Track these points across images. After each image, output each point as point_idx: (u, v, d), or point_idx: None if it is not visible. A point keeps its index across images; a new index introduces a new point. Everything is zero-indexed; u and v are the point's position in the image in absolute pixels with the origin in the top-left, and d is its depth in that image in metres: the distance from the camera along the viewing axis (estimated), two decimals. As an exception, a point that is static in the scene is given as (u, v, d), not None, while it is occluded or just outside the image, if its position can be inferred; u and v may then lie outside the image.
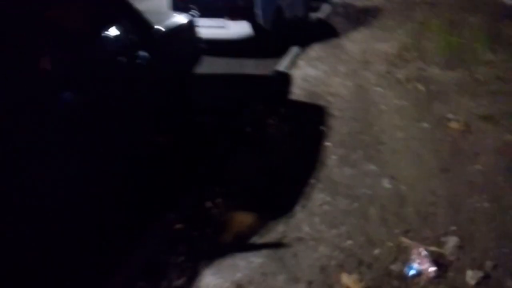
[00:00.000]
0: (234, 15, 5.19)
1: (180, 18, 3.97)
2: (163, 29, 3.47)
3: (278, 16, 5.67)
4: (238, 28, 5.25)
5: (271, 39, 5.58)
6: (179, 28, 3.82)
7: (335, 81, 4.62)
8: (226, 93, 4.55)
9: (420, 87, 4.27)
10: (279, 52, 5.68)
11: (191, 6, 5.33)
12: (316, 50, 5.80)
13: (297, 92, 4.40)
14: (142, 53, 3.10)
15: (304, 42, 6.06)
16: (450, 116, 3.63)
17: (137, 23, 3.13)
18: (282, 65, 5.17)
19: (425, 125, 3.51)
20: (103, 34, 2.83)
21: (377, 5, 8.77)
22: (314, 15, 7.92)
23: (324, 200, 2.62)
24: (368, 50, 5.62)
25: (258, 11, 5.18)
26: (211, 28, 5.28)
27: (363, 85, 4.46)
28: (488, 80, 4.31)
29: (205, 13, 5.28)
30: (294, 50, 5.68)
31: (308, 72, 4.95)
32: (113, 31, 2.92)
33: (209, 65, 5.38)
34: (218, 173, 3.04)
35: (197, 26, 5.27)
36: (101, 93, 2.63)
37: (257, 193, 2.77)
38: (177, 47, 3.78)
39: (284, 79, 4.80)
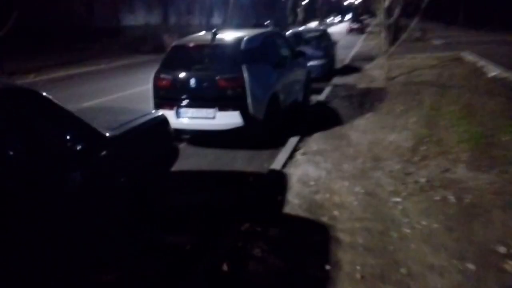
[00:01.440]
0: (223, 106, 4.39)
1: (149, 116, 3.12)
2: (118, 134, 2.61)
3: (273, 103, 4.85)
4: (227, 118, 4.41)
5: (265, 129, 4.72)
6: (145, 127, 2.95)
7: (341, 185, 3.60)
8: (206, 201, 3.52)
9: (451, 198, 3.22)
10: (276, 142, 4.80)
11: (177, 96, 4.60)
12: (317, 141, 4.87)
13: (294, 201, 3.36)
14: (76, 174, 2.20)
15: (304, 131, 5.21)
16: (501, 250, 2.51)
17: (77, 136, 2.27)
18: (278, 161, 4.21)
19: (471, 266, 2.39)
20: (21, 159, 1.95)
21: (381, 87, 8.05)
22: (315, 98, 7.21)
23: None
24: (377, 142, 4.67)
25: (250, 100, 4.39)
26: (197, 119, 4.50)
27: (375, 193, 3.42)
28: (536, 189, 3.26)
29: (191, 103, 4.53)
30: (292, 141, 4.77)
31: (308, 171, 3.96)
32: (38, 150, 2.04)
33: (194, 158, 4.52)
34: None
35: (182, 117, 4.55)
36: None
37: None
38: (139, 152, 2.88)
39: (279, 181, 3.80)
